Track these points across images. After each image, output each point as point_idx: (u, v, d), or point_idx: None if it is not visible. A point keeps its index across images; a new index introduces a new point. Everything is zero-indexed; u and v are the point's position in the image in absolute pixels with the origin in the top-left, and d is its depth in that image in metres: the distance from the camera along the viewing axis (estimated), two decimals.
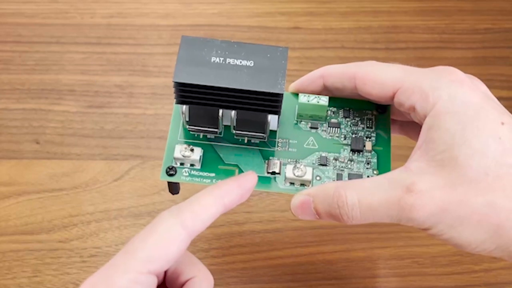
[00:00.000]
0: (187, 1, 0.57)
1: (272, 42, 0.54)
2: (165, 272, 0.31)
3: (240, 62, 0.32)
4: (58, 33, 0.54)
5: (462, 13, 0.58)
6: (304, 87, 0.36)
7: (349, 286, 0.41)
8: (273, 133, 0.36)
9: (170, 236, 0.28)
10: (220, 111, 0.33)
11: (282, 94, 0.32)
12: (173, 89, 0.33)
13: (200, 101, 0.33)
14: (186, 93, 0.33)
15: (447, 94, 0.31)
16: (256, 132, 0.35)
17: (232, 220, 0.44)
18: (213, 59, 0.32)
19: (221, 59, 0.32)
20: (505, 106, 0.32)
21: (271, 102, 0.32)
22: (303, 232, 0.43)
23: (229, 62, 0.32)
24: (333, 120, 0.36)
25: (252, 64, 0.32)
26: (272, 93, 0.32)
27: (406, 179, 0.30)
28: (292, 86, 0.37)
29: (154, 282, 0.28)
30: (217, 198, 0.30)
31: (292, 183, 0.34)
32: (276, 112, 0.33)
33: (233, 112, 0.33)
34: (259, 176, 0.34)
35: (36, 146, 0.47)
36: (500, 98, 0.33)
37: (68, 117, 0.49)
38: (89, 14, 0.56)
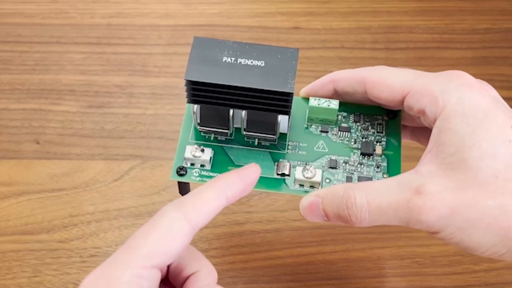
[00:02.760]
0: (187, 1, 0.57)
1: (272, 42, 0.54)
2: (168, 267, 0.30)
3: (251, 62, 0.33)
4: (58, 33, 0.54)
5: (462, 13, 0.58)
6: (314, 91, 0.36)
7: (349, 286, 0.41)
8: (283, 136, 0.36)
9: (173, 230, 0.28)
10: (231, 111, 0.34)
11: (292, 93, 0.32)
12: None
13: (211, 100, 0.33)
14: (197, 91, 0.33)
15: (457, 97, 0.31)
16: (266, 134, 0.35)
17: (232, 220, 0.44)
18: (224, 59, 0.33)
19: (233, 59, 0.33)
20: None
21: (281, 101, 0.33)
22: (303, 232, 0.43)
23: (240, 62, 0.33)
24: (343, 125, 0.36)
25: (263, 64, 0.33)
26: (282, 92, 0.32)
27: (415, 181, 0.30)
28: (303, 91, 0.37)
29: (157, 276, 0.28)
30: (219, 191, 0.30)
31: (301, 185, 0.34)
32: (286, 112, 0.33)
33: (243, 113, 0.34)
34: (268, 178, 0.34)
35: (36, 146, 0.47)
36: None
37: (68, 117, 0.49)
38: (89, 14, 0.56)
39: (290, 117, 0.36)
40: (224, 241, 0.43)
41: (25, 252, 0.42)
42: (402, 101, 0.33)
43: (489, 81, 0.33)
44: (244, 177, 0.31)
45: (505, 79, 0.52)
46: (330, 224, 0.43)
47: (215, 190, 0.30)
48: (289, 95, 0.32)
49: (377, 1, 0.58)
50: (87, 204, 0.44)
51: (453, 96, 0.31)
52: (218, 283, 0.41)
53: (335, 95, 0.36)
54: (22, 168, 0.46)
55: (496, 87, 0.33)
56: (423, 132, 0.37)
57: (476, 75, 0.33)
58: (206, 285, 0.30)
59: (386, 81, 0.34)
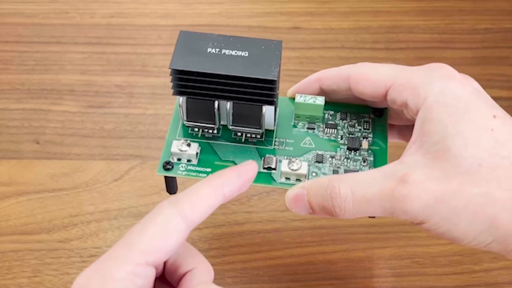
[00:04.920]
0: (187, 1, 0.57)
1: None
2: (164, 264, 0.30)
3: (236, 53, 0.33)
4: (58, 33, 0.54)
5: (462, 13, 0.58)
6: (301, 91, 0.37)
7: (349, 286, 0.41)
8: (270, 133, 0.36)
9: (169, 227, 0.28)
10: (216, 103, 0.34)
11: (275, 80, 0.32)
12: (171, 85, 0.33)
13: (196, 90, 0.33)
14: (183, 81, 0.33)
15: (438, 87, 0.31)
16: (252, 127, 0.35)
17: (232, 220, 0.44)
18: (209, 50, 0.33)
19: (217, 50, 0.33)
20: (505, 106, 0.32)
21: (266, 90, 0.33)
22: (303, 232, 0.43)
23: (224, 53, 0.33)
24: (330, 122, 0.36)
25: (247, 55, 0.33)
26: (265, 79, 0.32)
27: (400, 170, 0.30)
28: (290, 91, 0.38)
29: (152, 273, 0.28)
30: (216, 188, 0.30)
31: (287, 178, 0.34)
32: (271, 102, 0.34)
33: (228, 105, 0.34)
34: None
35: (36, 146, 0.47)
36: (500, 98, 0.33)
37: (68, 117, 0.49)
38: (89, 14, 0.56)
39: (277, 113, 0.36)
40: (224, 241, 0.43)
41: (25, 252, 0.42)
42: (385, 96, 0.34)
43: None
44: (242, 174, 0.31)
45: (505, 79, 0.52)
46: (331, 224, 0.43)
47: (212, 187, 0.30)
48: (272, 82, 0.32)
49: (377, 1, 0.58)
50: (87, 204, 0.44)
51: (434, 86, 0.31)
52: (219, 283, 0.41)
53: (321, 94, 0.37)
54: (22, 168, 0.46)
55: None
56: (410, 131, 0.37)
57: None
58: (202, 283, 0.29)
59: (369, 76, 0.34)
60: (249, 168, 0.31)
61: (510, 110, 0.32)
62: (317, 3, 0.58)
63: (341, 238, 0.43)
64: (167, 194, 0.37)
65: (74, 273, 0.41)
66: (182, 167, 0.34)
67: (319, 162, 0.35)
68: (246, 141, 0.36)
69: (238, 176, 0.31)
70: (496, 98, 0.33)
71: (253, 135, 0.36)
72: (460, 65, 0.53)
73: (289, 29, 0.56)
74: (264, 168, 0.34)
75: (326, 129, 0.36)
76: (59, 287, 0.40)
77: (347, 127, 0.36)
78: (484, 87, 0.33)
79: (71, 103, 0.50)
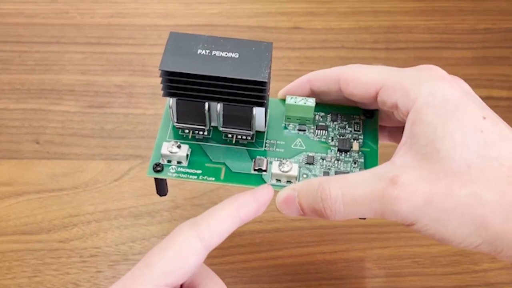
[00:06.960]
0: (187, 1, 0.57)
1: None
2: (181, 285, 0.31)
3: (226, 54, 0.33)
4: (58, 33, 0.54)
5: (462, 13, 0.58)
6: (292, 92, 0.37)
7: (349, 286, 0.41)
8: (261, 134, 0.36)
9: (188, 249, 0.29)
10: (206, 104, 0.34)
11: (265, 82, 0.32)
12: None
13: (186, 92, 0.33)
14: (172, 83, 0.33)
15: (427, 89, 0.31)
16: (243, 129, 0.35)
17: None
18: (199, 51, 0.33)
19: (207, 51, 0.33)
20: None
21: (256, 91, 0.33)
22: (303, 232, 0.43)
23: (214, 54, 0.33)
24: (321, 123, 0.36)
25: (237, 56, 0.33)
26: (256, 81, 0.32)
27: (390, 172, 0.30)
28: (281, 92, 0.38)
29: None
30: (233, 212, 0.30)
31: (278, 180, 0.34)
32: (261, 103, 0.33)
33: (219, 106, 0.34)
34: (245, 174, 0.34)
35: (36, 146, 0.47)
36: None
37: (68, 117, 0.49)
38: (89, 14, 0.56)
39: (268, 114, 0.36)
40: (224, 241, 0.43)
41: (25, 252, 0.42)
42: (375, 97, 0.34)
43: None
44: (258, 197, 0.32)
45: (505, 79, 0.52)
46: (330, 224, 0.43)
47: (229, 210, 0.30)
48: (262, 84, 0.32)
49: (377, 1, 0.58)
50: (87, 204, 0.44)
51: (424, 88, 0.31)
52: None
53: (312, 95, 0.37)
54: (22, 168, 0.46)
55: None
56: (400, 133, 0.37)
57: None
58: None
59: (359, 78, 0.34)
60: (264, 191, 0.32)
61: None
62: (317, 3, 0.58)
63: (341, 238, 0.43)
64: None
65: (74, 273, 0.41)
66: (173, 169, 0.34)
67: (309, 164, 0.35)
68: (237, 143, 0.36)
69: (254, 199, 0.31)
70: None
71: (244, 137, 0.36)
72: (460, 65, 0.53)
73: (289, 29, 0.56)
74: (255, 170, 0.34)
75: (316, 131, 0.36)
76: (59, 287, 0.40)
77: (337, 129, 0.36)
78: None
79: (71, 103, 0.50)
